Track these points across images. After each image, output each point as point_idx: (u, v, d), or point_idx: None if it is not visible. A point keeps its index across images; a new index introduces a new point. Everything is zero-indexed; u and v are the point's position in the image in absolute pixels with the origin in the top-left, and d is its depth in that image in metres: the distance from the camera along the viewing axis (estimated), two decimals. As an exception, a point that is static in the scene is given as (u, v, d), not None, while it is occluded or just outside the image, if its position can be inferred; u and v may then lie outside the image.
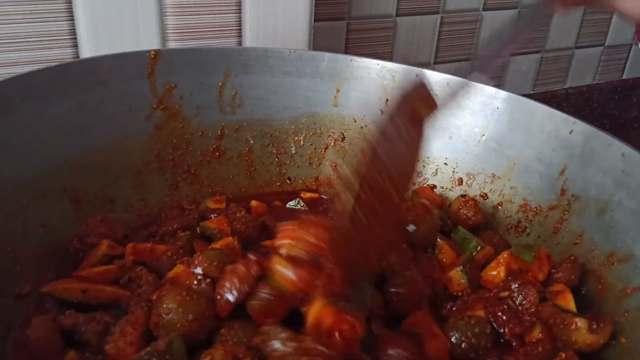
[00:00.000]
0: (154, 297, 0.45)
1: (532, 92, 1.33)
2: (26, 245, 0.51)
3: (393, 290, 0.46)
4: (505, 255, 0.50)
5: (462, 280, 0.49)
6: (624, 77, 1.47)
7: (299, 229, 0.41)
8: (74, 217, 0.56)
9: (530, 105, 0.61)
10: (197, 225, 0.56)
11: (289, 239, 0.41)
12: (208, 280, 0.45)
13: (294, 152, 0.71)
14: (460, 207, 0.59)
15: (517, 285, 0.45)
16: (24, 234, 0.51)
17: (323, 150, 0.71)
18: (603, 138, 0.54)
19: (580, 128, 0.56)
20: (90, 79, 0.58)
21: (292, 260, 0.40)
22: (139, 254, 0.52)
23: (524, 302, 0.44)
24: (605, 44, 1.39)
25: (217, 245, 0.51)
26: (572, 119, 0.57)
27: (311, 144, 0.71)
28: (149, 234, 0.56)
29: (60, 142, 0.56)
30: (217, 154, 0.68)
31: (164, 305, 0.41)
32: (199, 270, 0.47)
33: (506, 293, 0.46)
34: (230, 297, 0.42)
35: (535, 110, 0.61)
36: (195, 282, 0.45)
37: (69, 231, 0.55)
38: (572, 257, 0.51)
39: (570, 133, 0.57)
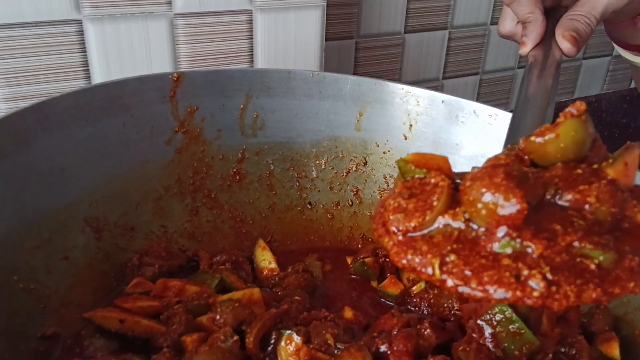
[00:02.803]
0: (187, 342, 0.43)
1: (539, 106, 1.33)
2: (49, 281, 0.49)
3: None
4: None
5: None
6: (632, 86, 1.48)
7: None
8: (94, 247, 0.54)
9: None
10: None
11: None
12: (235, 337, 0.42)
13: (315, 176, 0.69)
14: None
15: (564, 335, 0.44)
16: (46, 268, 0.49)
17: (345, 174, 0.70)
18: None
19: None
20: (113, 103, 0.56)
21: None
22: (166, 291, 0.50)
23: (574, 353, 0.44)
24: (613, 54, 1.40)
25: (237, 294, 0.48)
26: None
27: (332, 168, 0.70)
28: (189, 259, 0.56)
29: (82, 170, 0.54)
30: (237, 177, 0.66)
31: None
32: (220, 320, 0.45)
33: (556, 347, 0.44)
34: None
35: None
36: (222, 337, 0.43)
37: (89, 262, 0.53)
38: (602, 306, 0.50)
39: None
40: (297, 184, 0.69)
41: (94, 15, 0.69)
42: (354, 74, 1.04)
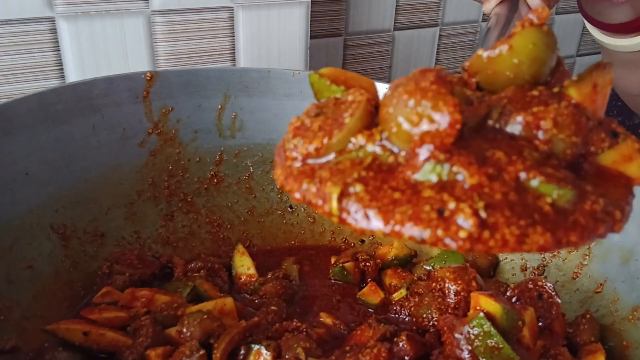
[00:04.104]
0: (151, 357, 0.41)
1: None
2: (10, 292, 0.46)
3: None
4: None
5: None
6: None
7: None
8: (61, 255, 0.52)
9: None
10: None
11: None
12: (202, 352, 0.40)
13: (295, 178, 0.67)
14: None
15: (547, 348, 0.42)
16: (8, 279, 0.47)
17: (326, 177, 0.67)
18: (627, 180, 0.51)
19: (602, 167, 0.53)
20: (80, 104, 0.54)
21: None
22: (135, 301, 0.48)
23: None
24: (606, 54, 1.38)
25: (207, 305, 0.46)
26: (593, 158, 0.54)
27: (314, 171, 0.67)
28: (163, 266, 0.54)
29: (48, 175, 0.51)
30: (215, 180, 0.64)
31: None
32: (187, 333, 0.43)
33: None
34: None
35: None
36: (187, 352, 0.40)
37: (54, 271, 0.51)
38: (588, 315, 0.48)
39: (592, 172, 0.54)
40: (278, 186, 0.67)
41: (67, 13, 0.67)
42: (342, 72, 1.02)
